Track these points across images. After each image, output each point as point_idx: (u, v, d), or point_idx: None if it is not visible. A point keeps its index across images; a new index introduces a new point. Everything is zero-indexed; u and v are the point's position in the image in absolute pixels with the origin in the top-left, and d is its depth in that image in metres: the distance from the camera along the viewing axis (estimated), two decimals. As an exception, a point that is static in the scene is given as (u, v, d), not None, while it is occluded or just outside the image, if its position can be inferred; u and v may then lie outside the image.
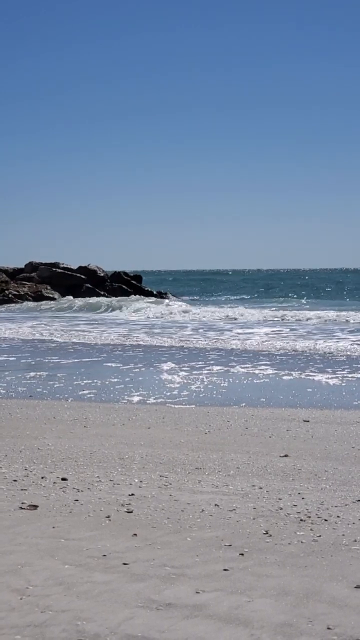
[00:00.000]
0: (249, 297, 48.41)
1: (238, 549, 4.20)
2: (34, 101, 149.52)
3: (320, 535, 4.46)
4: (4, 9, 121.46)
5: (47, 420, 8.44)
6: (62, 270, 40.52)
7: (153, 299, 38.04)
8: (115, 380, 12.05)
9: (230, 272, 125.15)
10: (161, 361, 14.47)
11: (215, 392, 10.82)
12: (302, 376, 12.42)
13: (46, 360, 14.93)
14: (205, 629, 3.22)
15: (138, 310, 32.46)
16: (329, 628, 3.23)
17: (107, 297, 39.26)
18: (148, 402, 10.01)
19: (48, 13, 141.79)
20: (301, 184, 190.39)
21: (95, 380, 11.93)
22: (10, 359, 15.25)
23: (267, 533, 4.49)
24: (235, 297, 47.61)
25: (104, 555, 4.07)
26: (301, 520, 4.77)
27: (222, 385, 11.48)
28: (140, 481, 5.72)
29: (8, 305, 36.48)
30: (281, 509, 5.02)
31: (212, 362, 14.39)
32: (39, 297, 38.49)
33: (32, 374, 12.84)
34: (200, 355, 15.55)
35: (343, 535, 4.47)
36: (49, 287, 39.62)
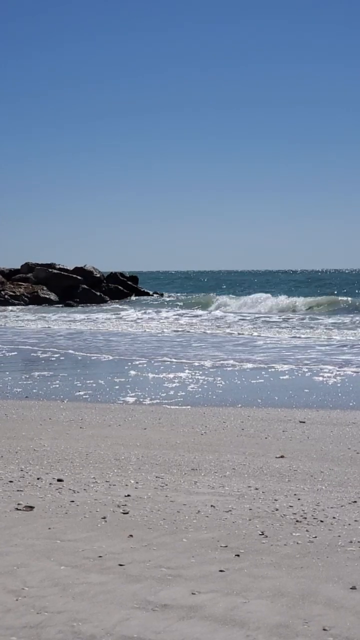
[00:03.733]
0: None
1: (234, 550, 4.20)
2: (30, 101, 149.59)
3: (316, 537, 4.46)
4: (2, 6, 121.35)
5: (43, 421, 8.44)
6: (58, 271, 40.50)
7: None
8: (112, 380, 12.05)
9: (235, 272, 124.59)
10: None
11: (211, 392, 10.83)
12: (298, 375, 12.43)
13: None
14: (201, 630, 3.22)
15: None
16: (324, 629, 3.23)
17: (103, 298, 39.30)
18: (144, 402, 10.01)
19: (44, 11, 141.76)
20: (300, 183, 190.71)
21: (91, 381, 11.93)
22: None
23: (263, 534, 4.49)
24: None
25: (100, 557, 4.07)
26: (297, 521, 4.77)
27: (218, 385, 11.49)
28: (136, 482, 5.71)
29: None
30: (277, 510, 5.02)
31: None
32: (35, 298, 38.49)
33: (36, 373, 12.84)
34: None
35: (339, 536, 4.48)
36: (45, 288, 39.62)
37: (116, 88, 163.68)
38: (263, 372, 12.92)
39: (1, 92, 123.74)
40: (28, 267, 41.85)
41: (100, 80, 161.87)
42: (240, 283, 68.11)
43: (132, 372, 13.09)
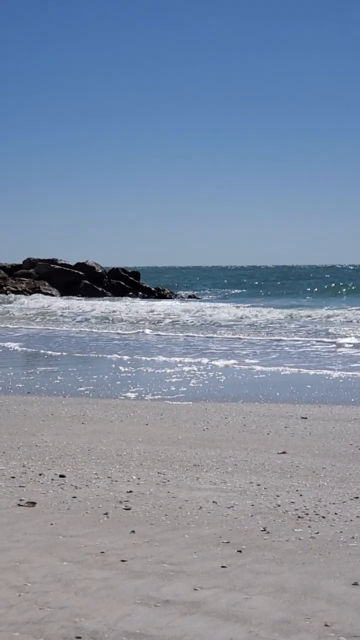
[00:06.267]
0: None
1: (236, 545, 4.21)
2: (31, 96, 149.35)
3: (318, 532, 4.47)
4: (3, 2, 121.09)
5: (44, 416, 8.44)
6: (60, 267, 40.49)
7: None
8: (113, 376, 12.05)
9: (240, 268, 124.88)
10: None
11: (212, 388, 10.83)
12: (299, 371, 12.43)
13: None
14: (203, 625, 3.23)
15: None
16: (326, 625, 3.23)
17: (105, 293, 39.29)
18: (146, 398, 10.02)
19: (47, 6, 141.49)
20: (300, 180, 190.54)
21: (93, 376, 11.93)
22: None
23: (265, 530, 4.49)
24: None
25: (102, 552, 4.08)
26: (299, 517, 4.77)
27: (220, 381, 11.49)
28: (138, 478, 5.72)
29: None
30: (279, 505, 5.02)
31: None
32: (37, 293, 38.47)
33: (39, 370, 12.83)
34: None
35: (341, 532, 4.48)
36: (47, 284, 39.61)
37: (118, 84, 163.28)
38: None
39: (3, 88, 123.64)
40: (30, 263, 41.86)
41: (102, 76, 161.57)
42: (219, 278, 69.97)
43: None
